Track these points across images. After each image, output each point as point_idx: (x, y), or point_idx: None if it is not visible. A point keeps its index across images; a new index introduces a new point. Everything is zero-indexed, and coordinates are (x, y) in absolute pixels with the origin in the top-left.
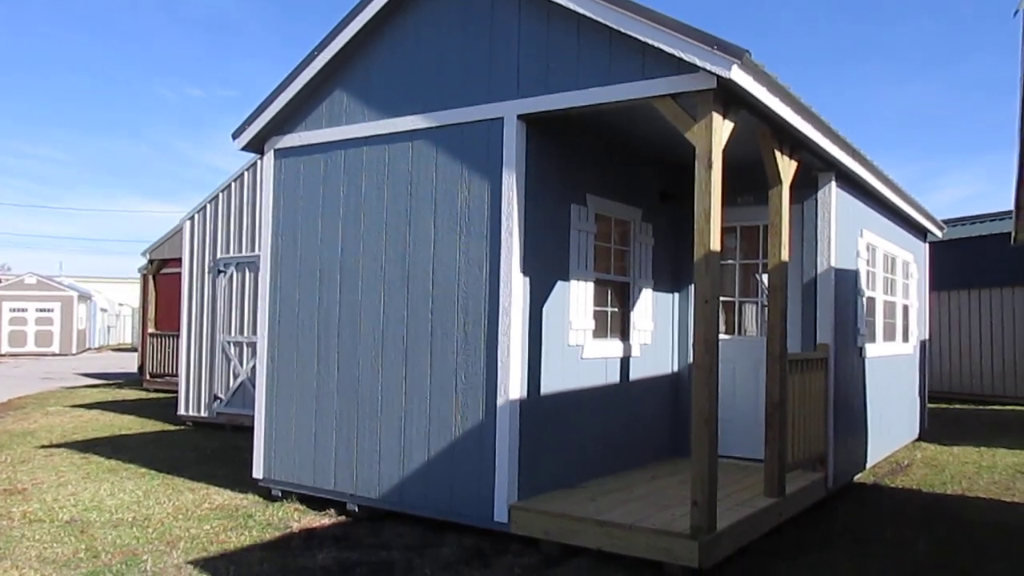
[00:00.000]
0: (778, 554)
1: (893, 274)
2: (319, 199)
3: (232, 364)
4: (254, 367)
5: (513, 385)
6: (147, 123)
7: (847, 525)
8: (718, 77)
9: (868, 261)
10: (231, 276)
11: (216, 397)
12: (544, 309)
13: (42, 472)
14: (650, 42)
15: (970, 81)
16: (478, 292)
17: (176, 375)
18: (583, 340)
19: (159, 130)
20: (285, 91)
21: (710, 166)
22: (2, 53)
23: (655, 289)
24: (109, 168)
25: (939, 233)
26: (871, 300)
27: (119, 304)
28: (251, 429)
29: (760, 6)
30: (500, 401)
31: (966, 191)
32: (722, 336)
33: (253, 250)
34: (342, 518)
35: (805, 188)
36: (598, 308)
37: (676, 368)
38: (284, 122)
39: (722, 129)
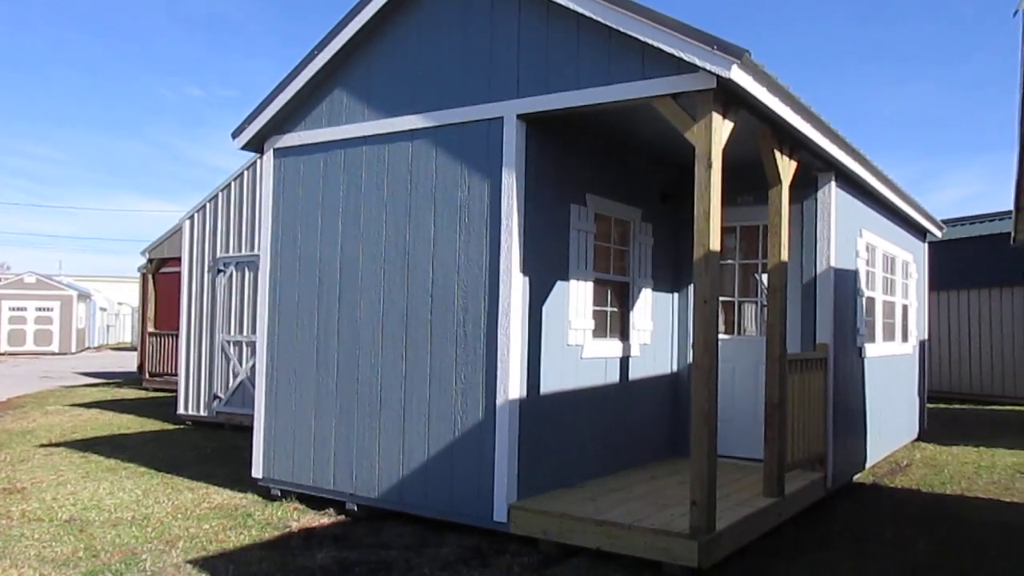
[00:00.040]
0: (777, 554)
1: (892, 274)
2: (319, 198)
3: (231, 363)
4: (253, 366)
5: (512, 385)
6: (147, 122)
7: (846, 525)
8: (718, 77)
9: (868, 261)
10: (231, 275)
11: (215, 396)
12: (544, 309)
13: (41, 471)
14: (650, 42)
15: (970, 81)
16: (478, 291)
17: (175, 374)
18: (583, 340)
19: (159, 129)
20: (285, 90)
21: (710, 166)
22: (1, 52)
23: (655, 289)
24: (109, 167)
25: (939, 233)
26: (870, 300)
27: (118, 303)
28: (250, 428)
29: (760, 6)
30: (499, 401)
31: (966, 191)
32: (722, 336)
33: (253, 249)
34: (341, 517)
35: (805, 188)
36: (598, 308)
37: (675, 368)
38: (284, 121)
39: (722, 129)
